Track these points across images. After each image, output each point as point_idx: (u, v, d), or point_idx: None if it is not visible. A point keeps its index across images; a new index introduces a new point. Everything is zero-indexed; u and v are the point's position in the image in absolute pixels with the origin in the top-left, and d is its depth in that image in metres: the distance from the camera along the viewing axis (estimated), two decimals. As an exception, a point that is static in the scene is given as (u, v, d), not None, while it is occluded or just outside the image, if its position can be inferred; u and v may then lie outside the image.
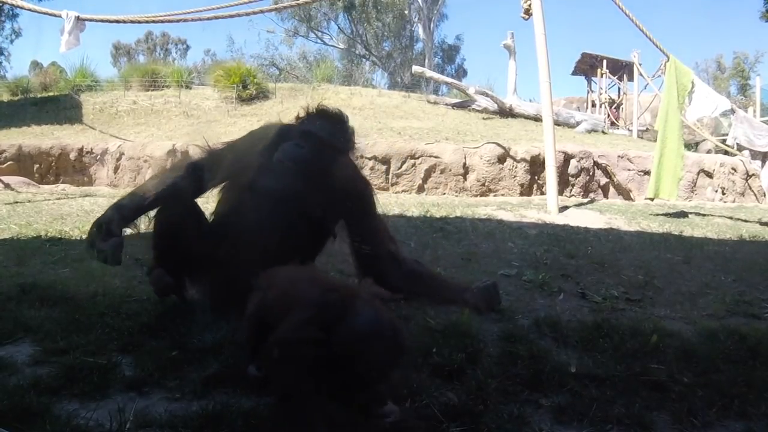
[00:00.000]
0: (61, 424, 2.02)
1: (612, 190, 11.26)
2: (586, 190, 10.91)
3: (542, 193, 9.78)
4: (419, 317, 3.24)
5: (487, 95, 15.41)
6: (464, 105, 15.50)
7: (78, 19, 10.08)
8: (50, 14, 10.34)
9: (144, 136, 13.28)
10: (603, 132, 15.54)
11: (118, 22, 11.05)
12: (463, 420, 2.07)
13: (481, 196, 10.18)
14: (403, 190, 10.29)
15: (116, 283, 3.93)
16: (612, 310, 3.65)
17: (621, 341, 2.91)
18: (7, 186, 10.70)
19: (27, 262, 4.65)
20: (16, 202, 8.56)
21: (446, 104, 16.12)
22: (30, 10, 10.80)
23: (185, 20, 10.76)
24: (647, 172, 10.26)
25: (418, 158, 10.48)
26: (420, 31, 35.29)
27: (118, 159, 12.01)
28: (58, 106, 15.56)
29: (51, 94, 16.72)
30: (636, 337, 2.98)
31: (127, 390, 2.37)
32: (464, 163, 10.44)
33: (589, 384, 2.39)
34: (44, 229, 6.16)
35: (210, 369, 2.52)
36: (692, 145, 16.25)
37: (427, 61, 32.46)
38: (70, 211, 7.74)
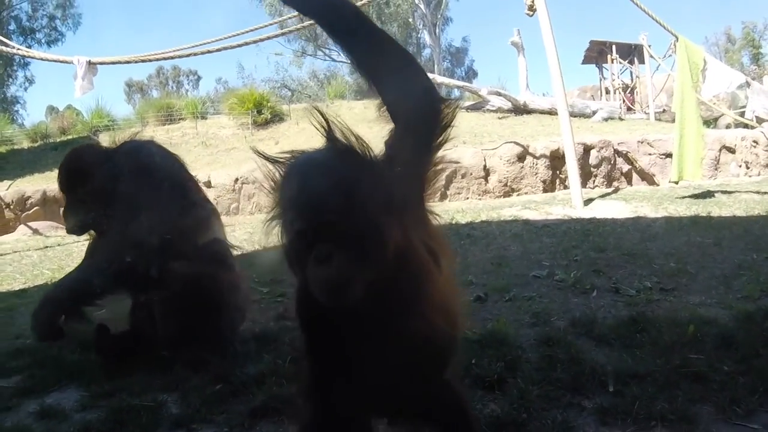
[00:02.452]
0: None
1: (635, 176, 11.19)
2: (609, 180, 10.86)
3: (565, 187, 9.76)
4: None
5: (500, 94, 15.40)
6: (478, 107, 15.49)
7: (89, 63, 10.25)
8: (61, 61, 10.53)
9: (165, 170, 13.45)
10: (620, 119, 15.44)
11: (128, 62, 11.23)
12: (507, 430, 2.10)
13: (504, 196, 10.18)
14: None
15: (153, 324, 4.02)
16: (647, 302, 3.65)
17: (658, 334, 2.92)
18: (35, 231, 10.88)
19: None
20: (47, 247, 8.71)
21: (460, 108, 16.13)
22: (41, 59, 11.01)
23: (194, 54, 10.86)
24: (669, 155, 10.18)
25: (437, 165, 10.46)
26: (426, 37, 35.33)
27: (143, 194, 12.16)
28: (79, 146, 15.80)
29: (70, 137, 16.94)
30: (673, 328, 2.99)
31: (176, 428, 2.44)
32: (484, 166, 10.45)
33: (630, 382, 2.40)
34: (76, 272, 6.27)
35: (255, 401, 2.56)
36: (711, 122, 16.06)
37: (436, 66, 32.45)
38: (102, 252, 7.86)
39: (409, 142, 1.59)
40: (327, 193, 1.43)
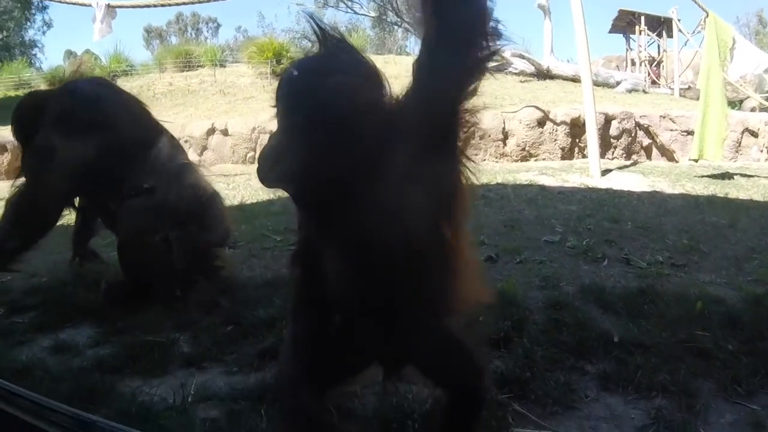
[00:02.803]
0: (126, 401, 2.15)
1: (655, 151, 11.11)
2: (628, 152, 10.79)
3: (584, 156, 9.71)
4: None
5: (523, 57, 15.21)
6: (501, 68, 15.26)
7: (108, 6, 10.18)
8: (80, 4, 10.46)
9: (182, 116, 13.45)
10: (644, 91, 15.26)
11: (147, 6, 11.13)
12: (511, 387, 2.13)
13: (521, 161, 10.14)
14: (442, 158, 10.30)
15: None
16: (657, 275, 3.65)
17: (666, 308, 2.93)
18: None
19: None
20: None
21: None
22: (59, 1, 10.93)
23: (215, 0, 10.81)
24: (690, 133, 10.09)
25: (456, 124, 10.43)
26: (451, -8, 34.73)
27: (159, 140, 12.21)
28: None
29: (88, 81, 16.96)
30: (681, 303, 3.00)
31: (187, 366, 2.50)
32: (503, 128, 10.39)
33: (634, 351, 2.42)
34: (94, 214, 6.35)
35: (264, 343, 2.62)
36: (736, 103, 15.87)
37: (460, 23, 32.02)
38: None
39: (443, 53, 1.34)
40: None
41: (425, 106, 1.34)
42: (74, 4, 10.57)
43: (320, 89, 1.37)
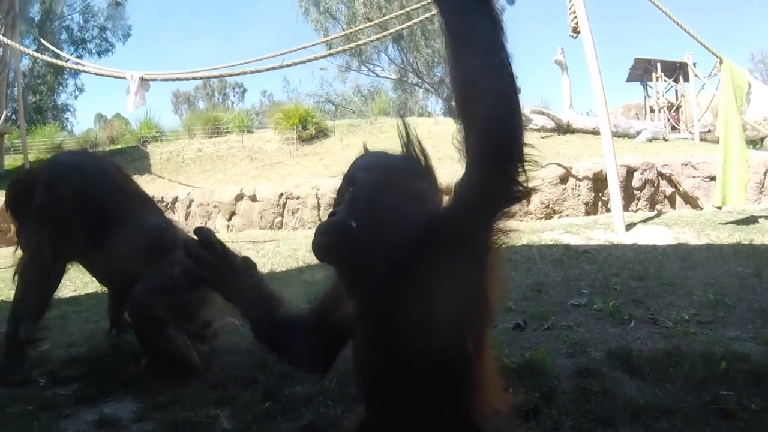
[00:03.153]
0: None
1: (678, 199, 11.12)
2: (652, 203, 10.84)
3: (607, 210, 9.79)
4: (493, 354, 3.42)
5: (543, 113, 15.43)
6: (521, 125, 15.55)
7: (142, 79, 10.62)
8: (115, 76, 10.95)
9: (211, 182, 13.81)
10: (664, 139, 15.33)
11: (179, 79, 11.62)
12: (542, 459, 2.25)
13: (545, 218, 10.24)
14: (467, 221, 10.41)
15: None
16: (683, 335, 3.74)
17: (691, 369, 3.03)
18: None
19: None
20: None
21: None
22: (96, 73, 11.43)
23: (243, 73, 11.21)
24: (713, 178, 10.11)
25: (480, 186, 10.56)
26: (469, 53, 35.30)
27: (188, 206, 12.55)
28: (126, 157, 16.28)
29: (118, 146, 17.46)
30: (706, 363, 3.09)
31: None
32: (526, 186, 10.47)
33: (660, 416, 2.52)
34: (124, 282, 6.56)
35: (303, 419, 2.76)
36: (758, 142, 15.88)
37: (479, 82, 32.47)
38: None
39: (478, 181, 1.41)
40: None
41: (461, 220, 1.43)
42: (109, 76, 11.03)
43: (388, 187, 1.52)
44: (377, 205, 1.50)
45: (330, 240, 1.49)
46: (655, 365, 3.13)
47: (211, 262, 1.76)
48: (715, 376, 2.92)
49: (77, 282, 6.84)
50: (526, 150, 1.37)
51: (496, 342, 3.68)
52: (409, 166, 1.59)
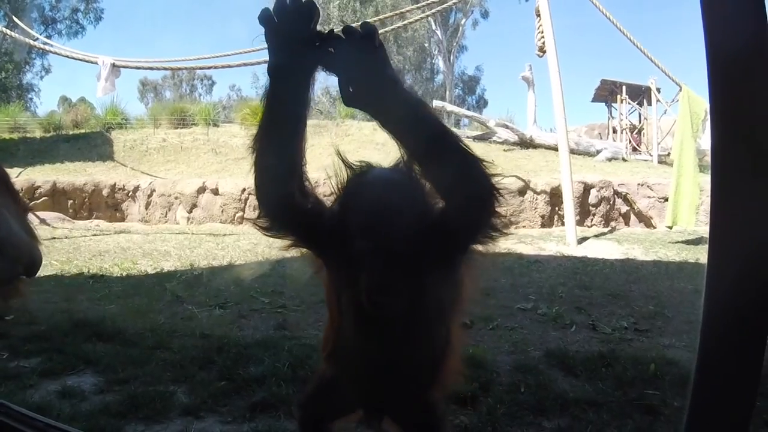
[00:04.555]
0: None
1: (633, 218, 11.44)
2: (607, 219, 11.13)
3: (563, 224, 10.01)
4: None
5: (507, 127, 15.70)
6: (485, 137, 15.79)
7: (113, 66, 10.58)
8: (87, 60, 10.87)
9: (174, 173, 13.77)
10: (623, 159, 15.70)
11: (151, 68, 11.61)
12: (473, 440, 2.39)
13: (502, 229, 10.40)
14: (426, 226, 10.55)
15: (161, 320, 4.38)
16: (620, 340, 3.94)
17: (623, 370, 3.20)
18: (42, 221, 11.18)
19: (74, 299, 5.17)
20: (54, 238, 9.06)
21: (467, 137, 16.43)
22: (68, 56, 11.30)
23: (215, 67, 11.22)
24: (667, 199, 10.42)
25: (440, 193, 10.73)
26: (440, 63, 35.65)
27: (150, 195, 12.54)
28: (89, 143, 16.10)
29: (82, 131, 17.22)
30: (637, 366, 3.27)
31: (185, 414, 2.76)
32: (485, 197, 10.67)
33: (587, 409, 2.68)
34: (85, 266, 6.61)
35: (255, 396, 2.88)
36: (714, 169, 16.28)
37: (448, 92, 32.83)
38: (107, 248, 8.18)
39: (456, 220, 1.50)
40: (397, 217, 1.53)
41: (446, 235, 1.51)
42: (80, 60, 10.93)
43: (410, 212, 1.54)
44: (407, 234, 1.51)
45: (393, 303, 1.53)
46: (589, 365, 3.29)
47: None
48: (644, 377, 3.09)
49: (35, 264, 6.84)
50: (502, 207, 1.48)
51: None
52: (414, 182, 1.61)
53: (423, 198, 1.60)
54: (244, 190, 11.58)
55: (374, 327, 1.62)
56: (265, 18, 1.35)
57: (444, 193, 1.44)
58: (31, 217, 11.31)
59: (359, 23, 1.31)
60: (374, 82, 1.31)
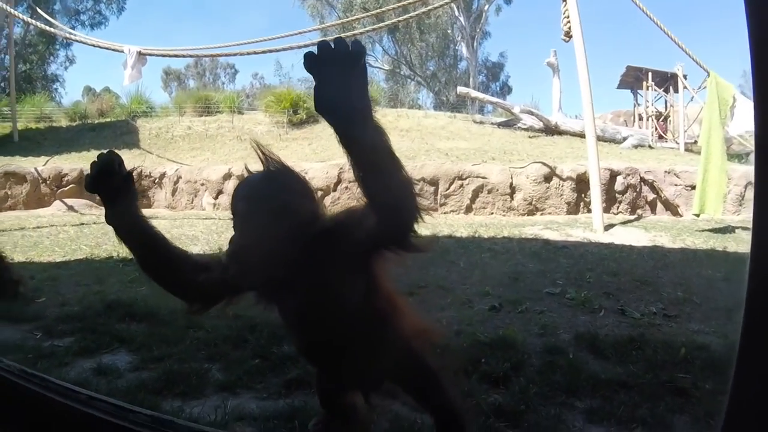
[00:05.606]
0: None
1: (659, 206, 11.34)
2: (633, 207, 11.04)
3: (589, 211, 9.98)
4: (469, 330, 3.62)
5: (532, 114, 15.65)
6: (510, 124, 15.75)
7: (139, 54, 10.68)
8: (113, 49, 10.98)
9: (199, 160, 13.89)
10: (650, 146, 15.57)
11: (177, 56, 11.66)
12: (507, 417, 2.43)
13: (528, 215, 10.45)
14: (451, 211, 10.58)
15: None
16: (649, 325, 3.94)
17: (653, 353, 3.22)
18: (70, 208, 11.43)
19: (105, 281, 5.29)
20: (82, 224, 9.24)
21: (492, 123, 16.40)
22: (94, 45, 11.42)
23: (240, 54, 11.27)
24: (694, 187, 10.32)
25: (465, 179, 10.79)
26: (464, 49, 35.41)
27: (176, 182, 12.68)
28: (115, 131, 16.30)
29: (108, 120, 17.46)
30: (667, 350, 3.28)
31: (221, 391, 2.83)
32: (511, 183, 10.73)
33: (619, 390, 2.71)
34: (114, 250, 6.72)
35: (290, 374, 2.94)
36: (742, 156, 16.11)
37: (471, 79, 32.64)
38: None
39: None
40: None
41: (359, 240, 1.63)
42: (107, 49, 11.05)
43: (262, 209, 1.73)
44: (257, 227, 1.71)
45: (234, 267, 1.73)
46: (619, 348, 3.31)
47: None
48: (675, 361, 3.11)
49: (65, 248, 6.97)
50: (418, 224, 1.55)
51: (471, 321, 3.87)
52: (277, 184, 1.81)
53: (291, 197, 1.77)
54: (269, 175, 11.56)
55: (291, 315, 1.86)
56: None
57: (375, 207, 1.52)
58: (58, 203, 11.61)
59: (352, 40, 1.36)
60: (347, 98, 1.37)
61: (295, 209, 1.72)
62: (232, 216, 1.79)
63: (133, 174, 1.79)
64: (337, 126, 1.41)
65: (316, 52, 1.34)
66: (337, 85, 1.36)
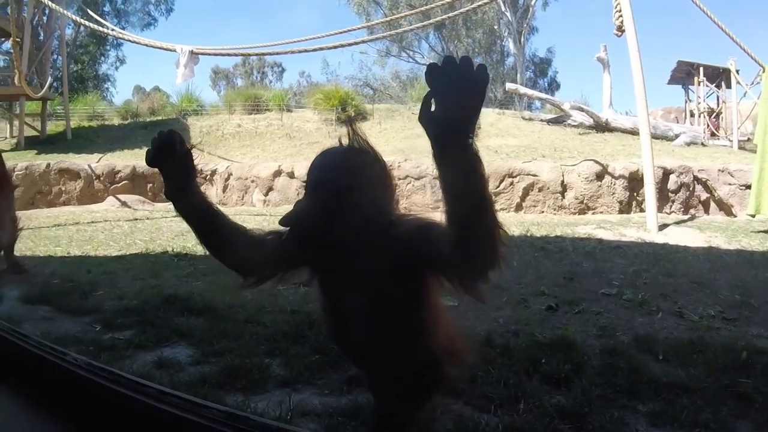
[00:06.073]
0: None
1: (713, 205, 11.15)
2: (686, 206, 10.88)
3: (641, 210, 9.89)
4: (527, 331, 3.66)
5: (582, 110, 15.50)
6: (559, 120, 15.64)
7: (192, 53, 10.90)
8: (166, 49, 11.22)
9: (250, 157, 14.10)
10: (702, 144, 15.30)
11: (227, 55, 11.86)
12: (571, 419, 2.47)
13: (579, 214, 10.39)
14: (501, 209, 10.54)
15: (248, 296, 4.53)
16: (707, 329, 3.92)
17: (713, 357, 3.22)
18: (123, 204, 11.74)
19: (161, 275, 5.42)
20: (136, 219, 9.50)
21: (541, 120, 16.30)
22: (146, 45, 11.67)
23: (291, 52, 11.44)
24: (749, 186, 10.10)
25: (515, 177, 10.76)
26: (510, 45, 35.10)
27: (227, 179, 12.89)
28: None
29: (159, 118, 17.83)
30: (727, 353, 3.27)
31: (282, 386, 2.90)
32: (562, 181, 10.67)
33: (681, 394, 2.72)
34: (168, 245, 6.90)
35: (351, 371, 2.99)
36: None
37: (518, 75, 32.34)
38: (188, 229, 8.47)
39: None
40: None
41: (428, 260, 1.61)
42: (160, 48, 11.29)
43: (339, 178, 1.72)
44: (322, 199, 1.68)
45: (291, 233, 1.74)
46: (679, 351, 3.32)
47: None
48: (735, 365, 3.10)
49: (120, 242, 7.18)
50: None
51: (528, 321, 3.92)
52: (353, 162, 1.77)
53: (373, 172, 1.76)
54: (319, 173, 11.67)
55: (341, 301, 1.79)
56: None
57: (456, 244, 1.46)
58: (111, 199, 11.92)
59: (478, 63, 1.33)
60: (457, 116, 1.34)
61: (363, 192, 1.69)
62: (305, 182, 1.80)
63: (192, 151, 1.81)
64: (438, 141, 1.37)
65: (440, 65, 1.33)
66: (452, 101, 1.34)
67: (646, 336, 3.61)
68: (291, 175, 12.08)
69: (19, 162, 12.99)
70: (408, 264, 1.63)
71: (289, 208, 1.70)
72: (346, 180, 1.70)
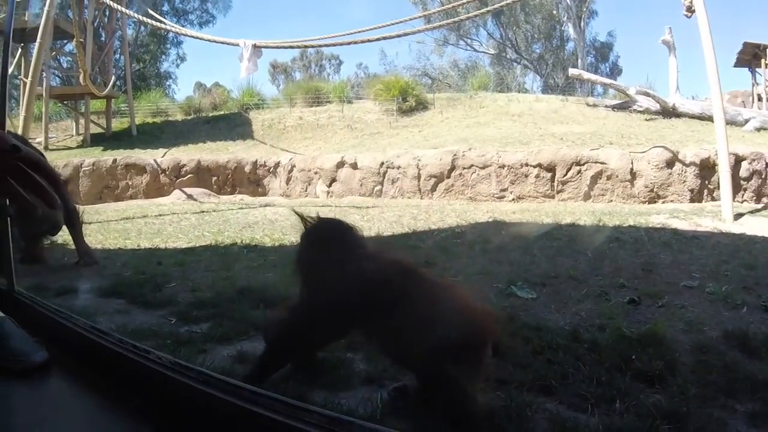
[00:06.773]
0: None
1: (786, 193, 10.82)
2: (758, 195, 10.53)
3: (713, 199, 9.66)
4: (612, 325, 3.62)
5: (648, 95, 15.15)
6: (624, 106, 15.33)
7: (255, 47, 11.08)
8: (229, 44, 11.43)
9: (312, 149, 14.26)
10: (773, 129, 14.82)
11: (289, 47, 11.98)
12: (670, 420, 2.44)
13: (649, 202, 10.18)
14: (569, 198, 10.44)
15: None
16: (796, 323, 3.81)
17: (809, 354, 3.14)
18: (190, 197, 12.03)
19: (232, 267, 5.45)
20: (203, 212, 9.67)
21: (606, 106, 16.00)
22: (209, 40, 11.90)
23: (351, 43, 11.47)
24: (826, 174, 9.82)
25: (583, 165, 10.61)
26: (570, 30, 34.55)
27: (290, 171, 13.09)
28: (229, 123, 16.98)
29: (221, 113, 18.21)
30: (821, 350, 3.19)
31: (368, 383, 2.87)
32: (631, 169, 10.47)
33: (781, 393, 2.67)
34: (237, 236, 7.01)
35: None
36: None
37: (579, 60, 31.79)
38: (255, 220, 8.65)
39: None
40: None
41: None
42: (223, 43, 11.54)
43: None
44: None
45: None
46: (771, 348, 3.25)
47: None
48: (834, 363, 3.02)
49: (189, 235, 7.34)
50: None
51: (612, 314, 3.87)
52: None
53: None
54: (382, 163, 11.85)
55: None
56: None
57: None
58: (177, 192, 12.19)
59: None
60: None
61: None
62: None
63: None
64: None
65: None
66: None
67: (736, 331, 3.51)
68: (354, 167, 12.18)
69: (86, 158, 13.41)
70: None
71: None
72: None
